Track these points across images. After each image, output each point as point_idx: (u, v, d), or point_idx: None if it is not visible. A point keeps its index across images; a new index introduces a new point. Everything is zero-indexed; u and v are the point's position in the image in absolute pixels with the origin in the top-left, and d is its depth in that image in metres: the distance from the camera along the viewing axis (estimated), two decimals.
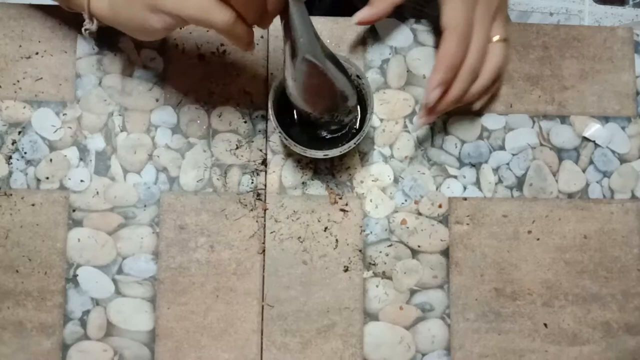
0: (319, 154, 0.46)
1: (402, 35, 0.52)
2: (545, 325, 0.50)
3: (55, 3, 0.46)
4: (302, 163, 0.50)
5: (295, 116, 0.47)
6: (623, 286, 0.51)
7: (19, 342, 0.47)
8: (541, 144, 0.51)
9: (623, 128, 0.52)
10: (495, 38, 0.47)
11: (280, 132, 0.44)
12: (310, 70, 0.39)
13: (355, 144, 0.45)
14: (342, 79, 0.42)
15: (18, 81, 0.49)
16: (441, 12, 0.45)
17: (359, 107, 0.47)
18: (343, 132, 0.47)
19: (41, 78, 0.49)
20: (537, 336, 0.50)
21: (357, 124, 0.47)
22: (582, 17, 1.16)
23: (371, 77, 0.51)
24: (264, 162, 0.50)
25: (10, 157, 0.49)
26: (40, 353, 0.48)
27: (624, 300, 0.50)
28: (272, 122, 0.44)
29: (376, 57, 0.51)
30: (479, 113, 0.51)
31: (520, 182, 0.51)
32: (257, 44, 0.51)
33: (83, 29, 0.43)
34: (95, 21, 0.43)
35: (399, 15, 0.51)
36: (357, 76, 0.45)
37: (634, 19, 1.17)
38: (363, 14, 0.46)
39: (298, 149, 0.45)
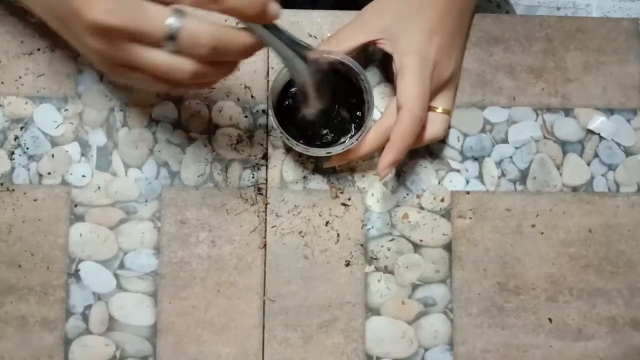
0: (321, 152, 0.46)
1: None
2: (550, 320, 0.49)
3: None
4: (303, 157, 0.50)
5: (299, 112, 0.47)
6: (629, 281, 0.50)
7: (22, 336, 0.48)
8: (545, 137, 0.51)
9: (628, 120, 0.51)
10: (439, 109, 0.47)
11: (281, 132, 0.44)
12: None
13: (357, 140, 0.45)
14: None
15: (20, 77, 0.49)
16: (397, 87, 0.44)
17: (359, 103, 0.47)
18: (344, 137, 0.47)
19: (43, 74, 0.50)
20: (542, 331, 0.49)
21: (358, 120, 0.47)
22: (590, 12, 1.14)
23: (372, 70, 0.51)
24: (265, 157, 0.50)
25: (13, 153, 0.49)
26: (43, 348, 0.48)
27: (630, 295, 0.50)
28: (273, 123, 0.44)
29: (377, 51, 0.51)
30: (482, 106, 0.51)
31: (523, 176, 0.50)
32: None
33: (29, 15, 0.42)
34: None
35: None
36: (356, 72, 0.45)
37: None
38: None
39: (300, 148, 0.45)
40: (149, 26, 0.32)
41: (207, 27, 0.33)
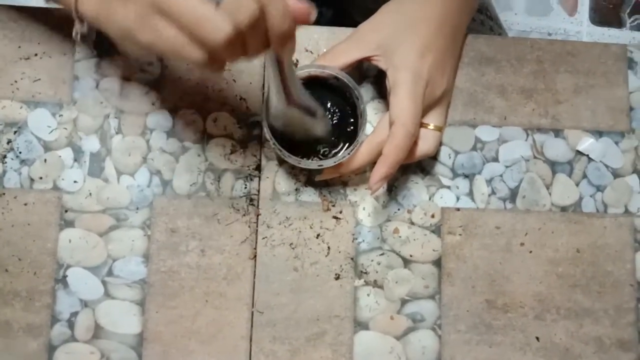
0: (313, 165, 0.46)
1: None
2: (537, 338, 0.49)
3: (49, 5, 0.44)
4: (296, 170, 0.50)
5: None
6: (616, 301, 0.50)
7: (5, 342, 0.47)
8: (535, 157, 0.51)
9: (616, 143, 0.52)
10: (431, 126, 0.48)
11: (274, 144, 0.45)
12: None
13: (349, 153, 0.46)
14: (316, 122, 0.45)
15: (16, 81, 0.50)
16: (390, 103, 0.45)
17: (352, 118, 0.48)
18: (336, 149, 0.47)
19: (39, 79, 0.50)
20: (529, 350, 0.49)
21: (350, 134, 0.48)
22: (580, 39, 1.17)
23: (367, 86, 0.52)
24: (258, 168, 0.50)
25: (5, 157, 0.49)
26: (27, 354, 0.47)
27: (617, 315, 0.50)
28: (266, 134, 0.44)
29: (372, 67, 0.51)
30: (473, 124, 0.52)
31: (513, 194, 0.51)
32: None
33: (74, 32, 0.41)
34: (85, 22, 0.40)
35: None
36: (350, 87, 0.46)
37: (630, 41, 1.18)
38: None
39: (292, 160, 0.45)
40: None
41: None
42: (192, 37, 0.32)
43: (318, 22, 0.75)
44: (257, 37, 0.34)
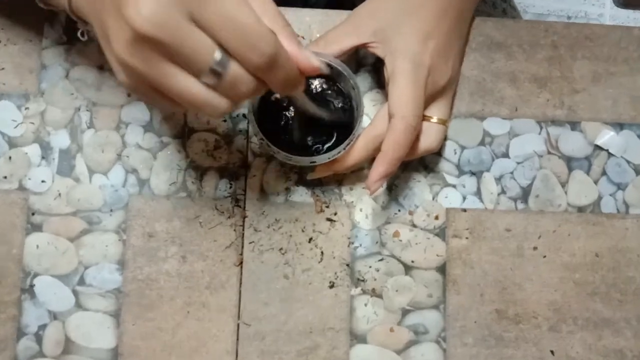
0: (305, 161, 0.43)
1: None
2: (552, 352, 0.47)
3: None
4: (286, 167, 0.47)
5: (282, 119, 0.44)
6: (638, 310, 0.47)
7: None
8: (549, 152, 0.48)
9: (639, 136, 0.49)
10: (434, 119, 0.45)
11: (262, 139, 0.42)
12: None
13: (345, 149, 0.43)
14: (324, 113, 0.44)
15: None
16: (389, 94, 0.42)
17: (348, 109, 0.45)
18: (330, 144, 0.45)
19: (3, 68, 0.47)
20: None
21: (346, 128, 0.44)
22: (602, 23, 1.12)
23: (363, 75, 0.49)
24: (244, 165, 0.47)
25: None
26: None
27: (639, 326, 0.47)
28: (253, 128, 0.42)
29: (369, 55, 0.48)
30: (481, 116, 0.48)
31: (525, 193, 0.48)
32: None
33: (79, 32, 0.39)
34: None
35: None
36: (346, 76, 0.43)
37: None
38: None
39: (282, 156, 0.43)
40: (196, 51, 0.29)
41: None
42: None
43: (314, 6, 0.72)
44: (258, 92, 0.33)
